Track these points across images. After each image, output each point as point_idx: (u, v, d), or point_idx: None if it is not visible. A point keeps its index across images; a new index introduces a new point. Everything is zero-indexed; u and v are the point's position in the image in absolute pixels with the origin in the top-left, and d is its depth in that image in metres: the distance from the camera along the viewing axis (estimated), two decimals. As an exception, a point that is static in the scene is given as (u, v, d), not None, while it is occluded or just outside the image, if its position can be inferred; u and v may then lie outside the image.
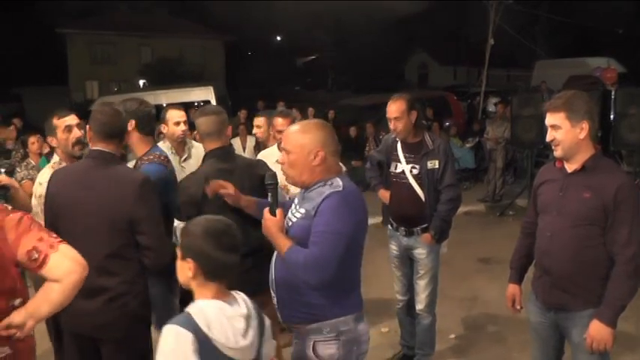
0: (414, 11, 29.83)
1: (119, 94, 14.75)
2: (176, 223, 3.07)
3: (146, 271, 3.30)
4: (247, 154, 8.23)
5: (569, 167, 2.73)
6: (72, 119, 3.56)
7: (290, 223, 2.47)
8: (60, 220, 2.77)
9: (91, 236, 2.66)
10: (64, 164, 3.50)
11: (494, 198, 9.95)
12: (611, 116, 8.21)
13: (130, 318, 2.75)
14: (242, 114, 11.28)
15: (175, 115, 4.26)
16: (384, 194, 4.14)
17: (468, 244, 7.12)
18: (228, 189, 2.93)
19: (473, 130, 12.65)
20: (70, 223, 2.73)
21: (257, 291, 2.71)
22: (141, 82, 29.24)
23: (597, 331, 2.60)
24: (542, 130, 3.13)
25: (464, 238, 6.98)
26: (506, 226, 8.26)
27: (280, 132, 3.88)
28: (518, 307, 3.07)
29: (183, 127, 4.24)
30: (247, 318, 1.95)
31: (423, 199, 3.88)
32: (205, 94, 12.84)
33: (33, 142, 6.40)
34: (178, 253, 2.00)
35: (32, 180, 5.81)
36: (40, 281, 2.16)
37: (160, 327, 3.71)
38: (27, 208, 4.19)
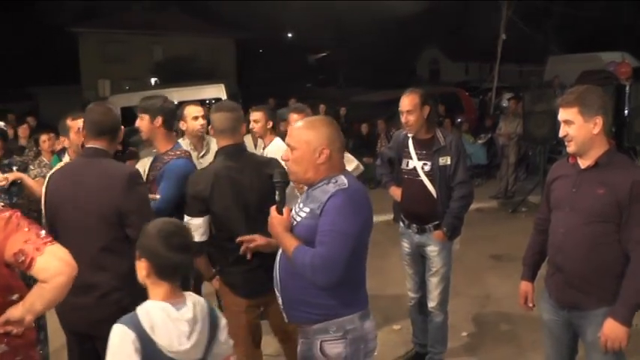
0: (414, 11, 29.68)
1: (131, 93, 14.82)
2: (186, 218, 3.06)
3: None
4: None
5: (583, 163, 2.69)
6: None
7: (295, 223, 2.44)
8: (55, 216, 2.85)
9: (83, 231, 2.71)
10: None
11: (506, 194, 9.88)
12: (626, 111, 8.11)
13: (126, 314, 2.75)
14: (253, 111, 11.27)
15: (193, 111, 4.33)
16: (396, 191, 4.12)
17: (480, 241, 7.07)
18: (256, 240, 2.92)
19: (485, 126, 12.57)
20: (64, 218, 2.80)
21: (262, 290, 2.71)
22: (152, 81, 29.38)
23: (612, 329, 2.56)
24: (555, 125, 3.09)
25: (476, 235, 6.93)
26: (518, 223, 8.20)
27: None
28: (531, 305, 3.04)
29: (201, 121, 4.30)
30: (192, 322, 2.01)
31: (435, 195, 3.86)
32: (217, 91, 12.88)
33: (44, 140, 6.45)
34: (137, 253, 2.07)
35: (45, 177, 5.87)
36: None
37: None
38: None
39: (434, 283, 3.98)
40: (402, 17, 32.47)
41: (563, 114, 2.66)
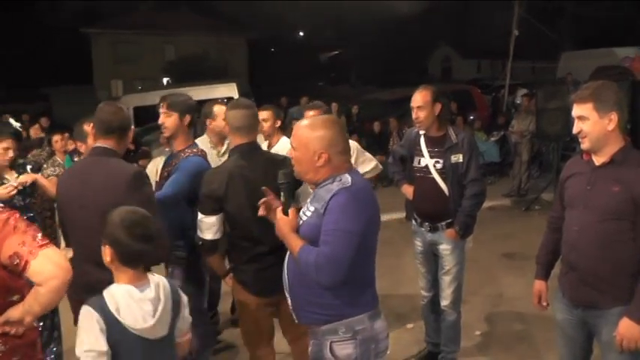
0: (424, 9, 29.59)
1: (143, 92, 14.90)
2: (199, 217, 3.06)
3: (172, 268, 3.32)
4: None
5: (597, 160, 2.65)
6: None
7: (300, 222, 2.44)
8: (64, 215, 2.89)
9: (89, 230, 2.70)
10: None
11: (519, 192, 9.81)
12: (641, 108, 8.00)
13: None
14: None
15: (223, 111, 4.35)
16: (408, 189, 4.10)
17: (493, 239, 7.04)
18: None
19: (497, 123, 12.51)
20: (71, 217, 2.83)
21: (275, 289, 2.70)
22: (164, 80, 29.53)
23: (627, 329, 2.52)
24: (568, 122, 3.06)
25: (489, 233, 6.91)
26: (531, 221, 8.14)
27: None
28: (545, 304, 3.00)
29: None
30: (155, 300, 2.16)
31: (447, 193, 3.83)
32: (229, 91, 12.89)
33: (56, 140, 6.51)
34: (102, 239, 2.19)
35: (58, 176, 5.93)
36: None
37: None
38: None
39: (446, 281, 3.96)
40: (413, 15, 32.37)
41: (577, 110, 2.62)
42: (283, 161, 3.16)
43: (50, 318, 3.82)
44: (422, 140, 3.91)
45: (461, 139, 3.82)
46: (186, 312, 2.32)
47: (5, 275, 1.98)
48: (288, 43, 38.98)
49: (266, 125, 4.49)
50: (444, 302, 3.99)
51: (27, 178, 4.16)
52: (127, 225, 2.13)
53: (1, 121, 6.04)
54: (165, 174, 3.55)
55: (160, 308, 2.16)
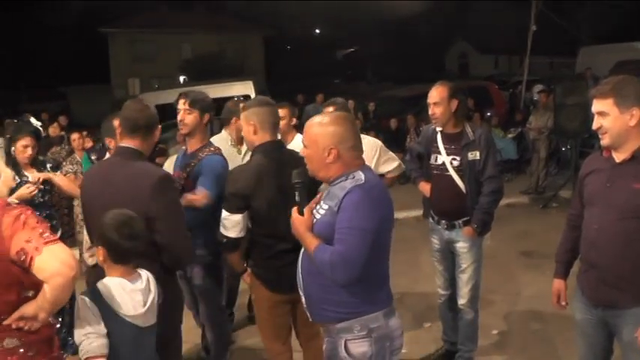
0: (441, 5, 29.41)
1: (160, 91, 15.00)
2: (224, 214, 3.05)
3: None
4: None
5: (618, 157, 2.60)
6: None
7: (314, 220, 2.43)
8: (88, 215, 2.86)
9: None
10: None
11: (537, 190, 9.71)
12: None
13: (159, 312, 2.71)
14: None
15: None
16: (425, 187, 4.07)
17: (511, 237, 6.98)
18: None
19: (515, 120, 12.38)
20: (95, 217, 2.76)
21: (295, 286, 2.70)
22: (181, 78, 29.70)
23: (649, 329, 2.48)
24: (587, 118, 3.01)
25: (506, 231, 6.85)
26: (549, 219, 8.06)
27: None
28: (564, 304, 2.96)
29: None
30: (146, 291, 2.39)
31: (464, 191, 3.80)
32: (245, 88, 12.93)
33: (74, 139, 6.59)
34: (95, 241, 2.41)
35: (75, 174, 6.03)
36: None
37: (209, 321, 3.77)
38: (73, 196, 4.39)
39: (464, 280, 3.93)
40: (429, 11, 32.19)
41: (597, 105, 2.57)
42: (303, 159, 3.16)
43: (69, 314, 3.86)
44: (439, 137, 3.88)
45: (478, 135, 3.79)
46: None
47: (18, 271, 1.99)
48: (305, 41, 38.93)
49: (282, 123, 4.47)
50: (461, 301, 3.96)
51: (41, 176, 4.23)
52: (116, 225, 2.33)
53: (22, 120, 6.12)
54: (185, 175, 3.54)
55: (150, 298, 2.38)
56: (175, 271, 2.95)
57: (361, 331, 2.36)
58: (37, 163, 4.41)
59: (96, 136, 6.77)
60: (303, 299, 2.50)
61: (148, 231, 2.65)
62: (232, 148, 4.29)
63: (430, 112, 3.82)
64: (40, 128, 5.13)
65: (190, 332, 4.09)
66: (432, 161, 3.93)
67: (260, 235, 3.11)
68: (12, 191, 3.45)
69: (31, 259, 1.93)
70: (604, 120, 2.55)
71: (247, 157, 4.31)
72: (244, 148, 4.38)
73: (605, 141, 2.59)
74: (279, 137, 3.29)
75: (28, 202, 3.74)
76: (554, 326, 4.60)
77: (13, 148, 4.28)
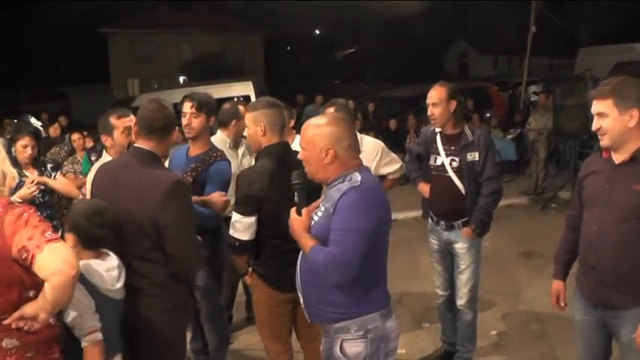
0: (430, 7, 29.43)
1: (159, 91, 15.00)
2: (236, 217, 3.01)
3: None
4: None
5: (617, 158, 2.60)
6: (132, 120, 3.36)
7: (312, 222, 2.44)
8: None
9: (120, 234, 2.61)
10: None
11: (536, 191, 9.72)
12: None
13: (163, 320, 2.69)
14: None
15: None
16: (424, 187, 4.07)
17: (510, 238, 6.98)
18: None
19: (514, 121, 12.38)
20: None
21: (294, 286, 2.70)
22: (181, 79, 29.68)
23: (648, 330, 2.48)
24: (586, 119, 3.01)
25: (506, 231, 6.86)
26: (549, 220, 8.07)
27: None
28: (563, 305, 2.97)
29: None
30: (119, 268, 2.55)
31: (464, 192, 3.81)
32: (245, 89, 12.91)
33: (75, 139, 6.59)
34: (66, 227, 2.58)
35: (75, 173, 6.04)
36: None
37: (209, 321, 3.77)
38: (72, 197, 4.40)
39: (463, 280, 3.93)
40: (429, 11, 32.18)
41: (597, 106, 2.57)
42: None
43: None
44: (438, 138, 3.88)
45: (477, 136, 3.79)
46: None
47: (20, 270, 1.98)
48: (304, 41, 38.93)
49: None
50: (460, 301, 3.96)
51: (36, 179, 4.22)
52: (87, 214, 2.49)
53: (22, 120, 6.14)
54: (191, 178, 3.47)
55: (123, 273, 2.56)
56: (184, 279, 2.88)
57: (358, 331, 2.37)
58: (37, 163, 4.42)
59: (96, 136, 6.77)
60: (302, 299, 2.51)
61: (157, 238, 2.62)
62: (230, 150, 4.25)
63: (429, 113, 3.83)
64: (40, 128, 5.14)
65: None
66: (431, 162, 3.94)
67: (267, 235, 3.09)
68: (12, 191, 3.45)
69: (33, 257, 1.93)
70: (603, 121, 2.55)
71: (245, 159, 4.32)
72: (241, 150, 4.38)
73: (604, 142, 2.59)
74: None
75: (29, 203, 3.75)
76: (553, 327, 4.61)
77: (13, 148, 4.29)
